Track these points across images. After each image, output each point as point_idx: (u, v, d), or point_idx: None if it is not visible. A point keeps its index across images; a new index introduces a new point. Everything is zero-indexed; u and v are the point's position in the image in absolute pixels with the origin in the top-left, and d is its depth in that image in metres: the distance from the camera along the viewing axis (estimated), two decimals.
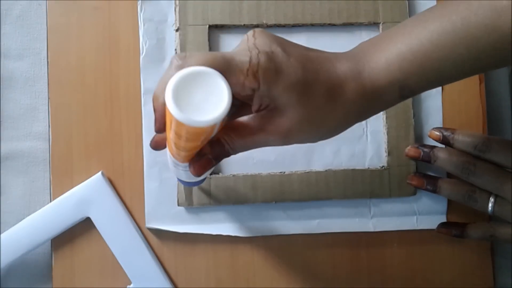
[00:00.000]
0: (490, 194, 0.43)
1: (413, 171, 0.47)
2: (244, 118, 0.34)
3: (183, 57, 0.31)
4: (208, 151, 0.33)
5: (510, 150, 0.42)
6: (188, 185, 0.41)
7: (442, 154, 0.45)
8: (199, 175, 0.33)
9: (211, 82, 0.29)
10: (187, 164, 0.34)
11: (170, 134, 0.31)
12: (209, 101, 0.28)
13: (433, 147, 0.45)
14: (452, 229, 0.46)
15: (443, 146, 0.46)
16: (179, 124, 0.28)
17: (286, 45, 0.33)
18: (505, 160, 0.42)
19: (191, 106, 0.28)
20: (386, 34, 0.35)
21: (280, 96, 0.32)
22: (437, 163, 0.45)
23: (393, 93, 0.34)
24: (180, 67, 0.30)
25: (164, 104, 0.30)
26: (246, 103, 0.33)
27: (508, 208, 0.42)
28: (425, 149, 0.46)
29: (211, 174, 0.46)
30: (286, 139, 0.33)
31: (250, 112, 0.34)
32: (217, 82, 0.29)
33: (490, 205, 0.43)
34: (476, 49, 0.32)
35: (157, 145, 0.36)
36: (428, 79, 0.33)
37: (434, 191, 0.46)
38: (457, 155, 0.44)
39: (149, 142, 0.47)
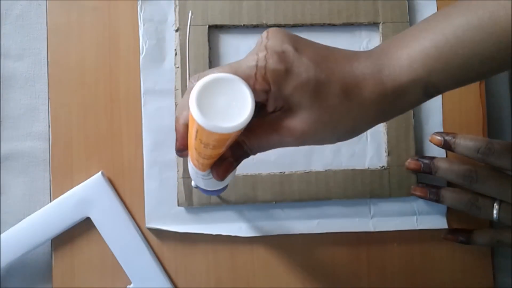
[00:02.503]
0: (493, 201, 0.43)
1: (413, 173, 0.47)
2: (260, 120, 0.33)
3: (197, 77, 0.31)
4: (229, 154, 0.33)
5: None
6: (211, 193, 0.40)
7: (442, 164, 0.44)
8: (222, 179, 0.34)
9: (231, 87, 0.29)
10: (208, 171, 0.34)
11: (194, 145, 0.31)
12: (232, 106, 0.29)
13: (433, 158, 0.45)
14: (459, 235, 0.46)
15: (443, 153, 0.46)
16: (207, 133, 0.28)
17: (300, 44, 0.32)
18: (508, 163, 0.42)
19: (216, 114, 0.28)
20: (408, 31, 0.33)
21: (291, 96, 0.31)
22: (438, 173, 0.45)
23: (416, 92, 0.32)
24: None
25: (185, 125, 0.30)
26: (263, 104, 0.33)
27: None
28: (425, 161, 0.45)
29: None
30: (300, 140, 0.33)
31: (267, 113, 0.33)
32: (238, 86, 0.29)
33: (494, 212, 0.43)
34: (506, 44, 0.30)
35: (182, 155, 0.36)
36: (455, 76, 0.32)
37: (437, 200, 0.45)
38: (458, 164, 0.44)
39: (150, 142, 0.47)
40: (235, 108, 0.29)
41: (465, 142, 0.43)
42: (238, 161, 0.34)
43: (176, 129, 0.33)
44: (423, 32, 0.32)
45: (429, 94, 0.33)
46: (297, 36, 0.32)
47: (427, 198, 0.46)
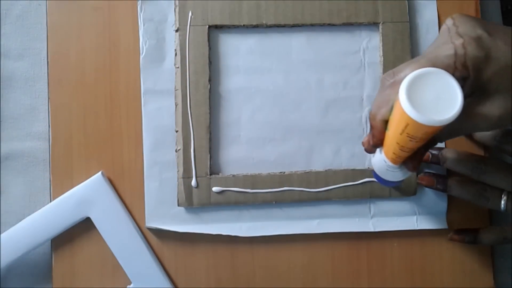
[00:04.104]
0: (501, 191, 0.42)
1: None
2: None
3: (392, 74, 0.32)
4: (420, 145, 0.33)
5: None
6: (391, 185, 0.41)
7: (451, 155, 0.44)
8: (416, 170, 0.35)
9: (438, 81, 0.29)
10: (400, 164, 0.36)
11: (398, 139, 0.32)
12: (441, 99, 0.29)
13: (441, 148, 0.45)
14: (465, 235, 0.46)
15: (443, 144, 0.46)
16: (419, 127, 0.29)
17: (490, 28, 0.32)
18: None
19: (427, 107, 0.29)
20: None
21: (489, 82, 0.31)
22: (446, 164, 0.44)
23: None
24: (394, 84, 0.30)
25: (383, 121, 0.31)
26: None
27: None
28: (433, 152, 0.45)
29: (211, 174, 0.46)
30: (496, 125, 0.32)
31: None
32: (445, 79, 0.29)
33: (502, 202, 0.42)
34: None
35: (372, 151, 0.37)
36: None
37: (445, 190, 0.45)
38: (466, 155, 0.44)
39: (150, 142, 0.47)
40: (444, 101, 0.29)
41: None
42: (426, 150, 0.34)
43: (372, 126, 0.33)
44: None
45: None
46: (482, 19, 0.32)
47: (434, 187, 0.45)
